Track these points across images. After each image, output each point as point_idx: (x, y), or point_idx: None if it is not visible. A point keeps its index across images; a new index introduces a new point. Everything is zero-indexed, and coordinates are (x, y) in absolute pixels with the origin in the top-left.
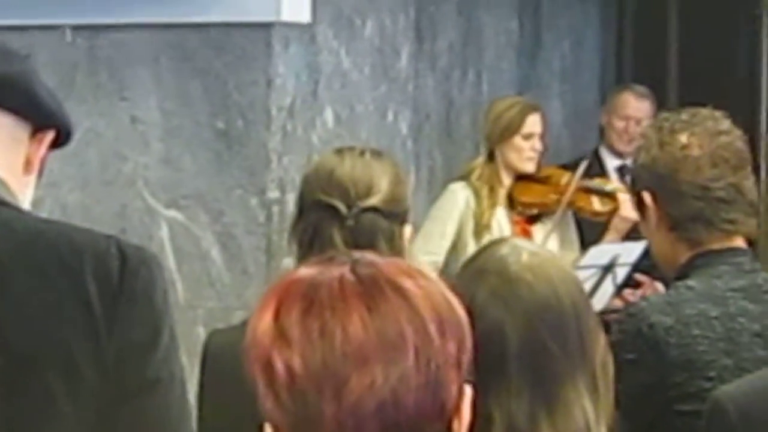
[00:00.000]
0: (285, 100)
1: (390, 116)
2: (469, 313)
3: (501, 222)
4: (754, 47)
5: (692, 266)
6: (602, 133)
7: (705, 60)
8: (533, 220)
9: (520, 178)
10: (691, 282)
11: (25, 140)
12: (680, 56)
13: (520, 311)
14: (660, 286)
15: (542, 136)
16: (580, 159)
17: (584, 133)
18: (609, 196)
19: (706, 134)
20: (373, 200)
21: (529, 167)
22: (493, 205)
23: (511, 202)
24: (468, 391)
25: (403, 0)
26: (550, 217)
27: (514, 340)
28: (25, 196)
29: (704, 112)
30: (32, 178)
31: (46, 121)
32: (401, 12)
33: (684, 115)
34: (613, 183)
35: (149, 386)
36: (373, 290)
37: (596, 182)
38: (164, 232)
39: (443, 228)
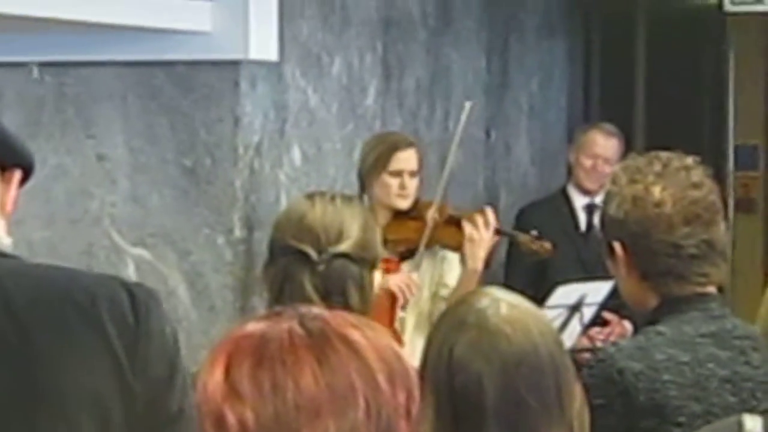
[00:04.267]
0: (252, 138)
1: (357, 154)
2: (448, 364)
3: None
4: (721, 83)
5: (662, 312)
6: (570, 172)
7: (672, 97)
8: (404, 258)
9: (398, 214)
10: (661, 327)
11: None
12: (647, 94)
13: (498, 364)
14: (627, 325)
15: (415, 173)
16: (546, 197)
17: (551, 171)
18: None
19: (678, 188)
20: (344, 246)
21: (401, 204)
22: None
23: (384, 241)
24: None
25: (370, 38)
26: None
27: (491, 392)
28: (1, 238)
29: (676, 161)
30: (7, 219)
31: (12, 161)
32: (369, 50)
33: (656, 165)
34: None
35: (173, 419)
36: (322, 343)
37: (462, 212)
38: (131, 270)
39: None
